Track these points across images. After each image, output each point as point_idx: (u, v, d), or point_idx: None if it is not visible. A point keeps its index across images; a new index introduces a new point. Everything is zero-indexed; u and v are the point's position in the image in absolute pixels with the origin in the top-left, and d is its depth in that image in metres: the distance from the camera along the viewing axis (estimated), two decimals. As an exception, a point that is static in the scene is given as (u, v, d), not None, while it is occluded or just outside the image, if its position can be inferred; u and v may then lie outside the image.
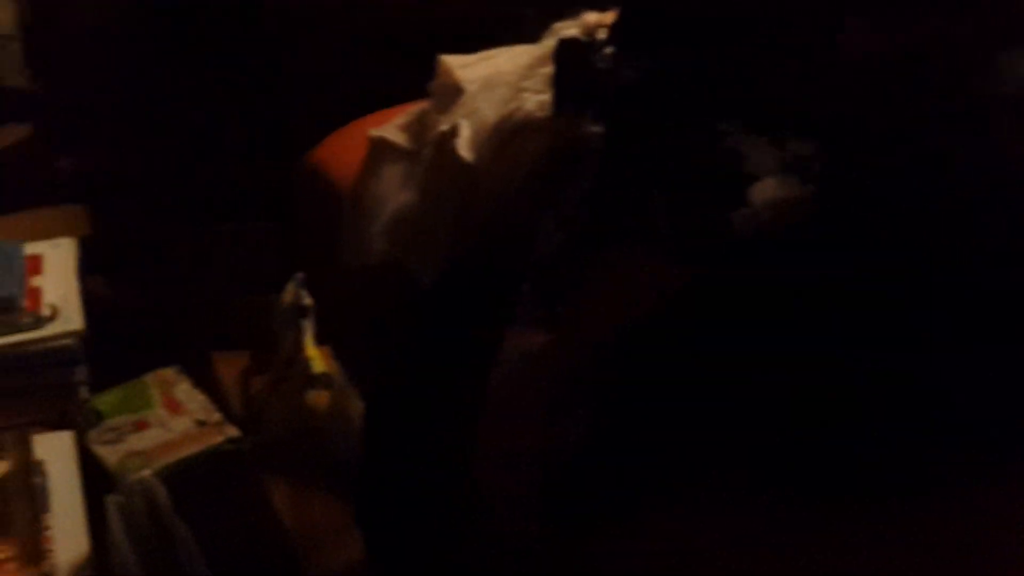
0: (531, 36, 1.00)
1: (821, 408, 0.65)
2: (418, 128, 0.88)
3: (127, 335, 1.42)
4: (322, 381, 1.29)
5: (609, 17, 0.76)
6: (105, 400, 1.29)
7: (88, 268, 1.41)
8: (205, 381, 1.37)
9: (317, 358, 1.30)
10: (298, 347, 1.32)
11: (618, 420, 0.66)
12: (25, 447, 1.17)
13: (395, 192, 0.85)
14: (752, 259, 0.63)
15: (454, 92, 0.86)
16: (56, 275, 1.36)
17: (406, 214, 0.82)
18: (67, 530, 1.10)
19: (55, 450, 1.20)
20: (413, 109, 0.91)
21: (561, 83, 0.73)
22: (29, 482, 1.13)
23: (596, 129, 0.69)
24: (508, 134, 0.75)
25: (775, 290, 0.64)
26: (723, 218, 0.62)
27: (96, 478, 1.19)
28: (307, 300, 1.35)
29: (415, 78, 1.14)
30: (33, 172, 1.82)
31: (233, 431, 1.28)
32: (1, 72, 1.99)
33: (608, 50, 0.70)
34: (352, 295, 0.91)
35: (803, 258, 0.63)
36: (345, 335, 0.99)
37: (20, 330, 1.26)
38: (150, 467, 1.19)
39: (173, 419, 1.29)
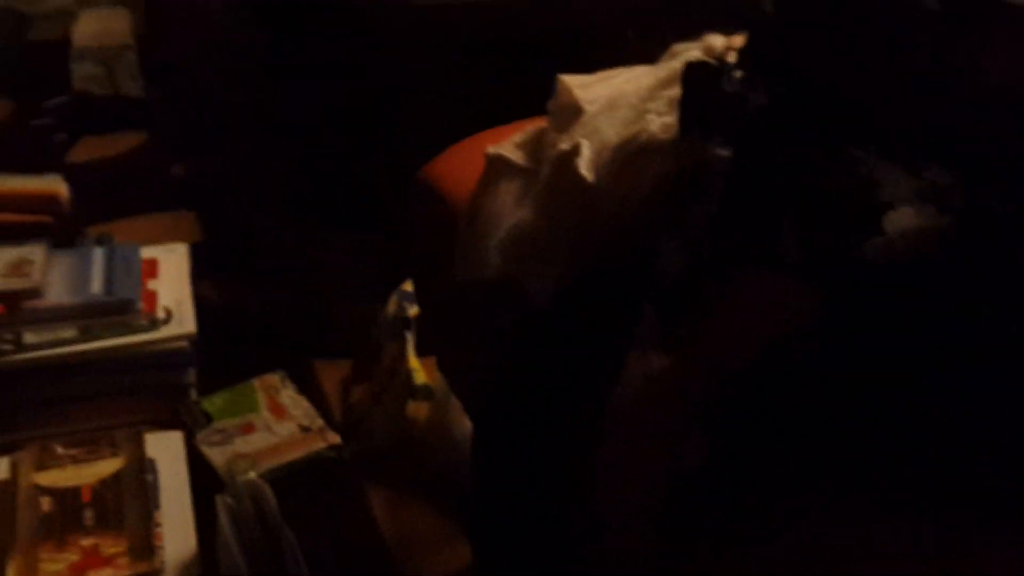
0: (635, 57, 1.00)
1: (943, 434, 0.63)
2: (536, 146, 0.89)
3: (234, 339, 1.46)
4: (423, 393, 1.30)
5: (738, 41, 0.75)
6: (213, 402, 1.33)
7: (198, 272, 1.46)
8: (307, 387, 1.40)
9: (419, 370, 1.32)
10: (400, 358, 1.34)
11: (737, 444, 0.66)
12: (138, 445, 1.20)
13: (512, 209, 0.86)
14: (884, 289, 0.62)
15: (573, 112, 0.86)
16: (171, 279, 1.41)
17: (523, 231, 0.83)
18: (176, 527, 1.13)
19: (166, 449, 1.23)
20: (530, 128, 0.92)
21: (688, 106, 0.73)
22: (141, 479, 1.16)
23: (723, 152, 0.68)
24: (630, 155, 0.75)
25: (907, 320, 0.63)
26: (856, 246, 0.61)
27: (204, 478, 1.23)
28: (410, 311, 1.37)
29: (527, 96, 1.15)
30: (148, 178, 1.88)
31: (335, 438, 1.30)
32: (119, 81, 2.08)
33: (738, 74, 0.70)
34: (464, 309, 0.92)
35: (938, 289, 0.62)
36: (454, 348, 1.00)
37: (137, 331, 1.31)
38: (256, 470, 1.22)
39: (278, 423, 1.32)
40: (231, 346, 1.45)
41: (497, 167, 0.90)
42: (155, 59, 2.22)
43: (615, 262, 0.76)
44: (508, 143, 0.91)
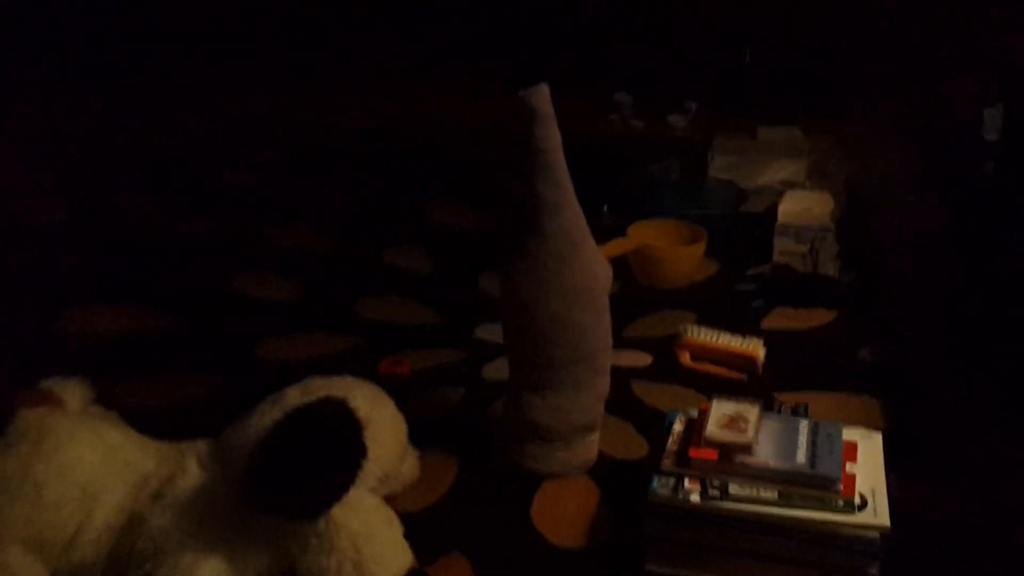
0: None
1: None
2: None
3: (916, 541, 1.42)
4: None
5: None
6: (895, 603, 1.30)
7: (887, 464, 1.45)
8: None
9: None
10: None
11: None
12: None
13: None
14: None
15: None
16: (867, 466, 1.42)
17: None
18: None
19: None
20: None
21: None
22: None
23: None
24: None
25: None
26: None
27: None
28: None
29: None
30: (833, 357, 1.95)
31: None
32: (819, 260, 2.19)
33: None
34: None
35: None
36: None
37: (832, 510, 1.34)
38: None
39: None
40: (913, 545, 1.40)
41: None
42: (852, 244, 2.31)
43: None
44: None
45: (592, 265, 1.57)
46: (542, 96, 1.49)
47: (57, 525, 1.28)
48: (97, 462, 1.31)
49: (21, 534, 1.26)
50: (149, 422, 1.45)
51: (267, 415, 1.33)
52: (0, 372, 1.86)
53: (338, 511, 1.26)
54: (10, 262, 2.39)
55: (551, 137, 1.51)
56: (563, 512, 1.53)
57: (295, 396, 1.36)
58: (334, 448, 1.25)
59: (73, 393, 1.44)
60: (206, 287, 2.28)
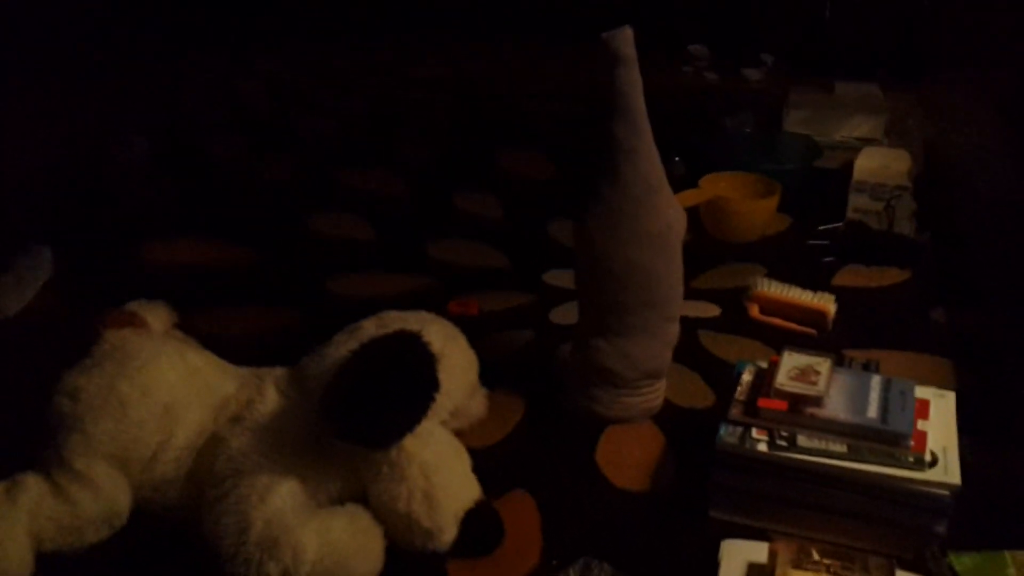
0: None
1: None
2: None
3: (985, 500, 1.41)
4: None
5: None
6: (962, 561, 1.29)
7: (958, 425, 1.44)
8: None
9: None
10: None
11: None
12: (890, 574, 1.22)
13: None
14: None
15: None
16: (939, 425, 1.41)
17: None
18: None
19: (908, 590, 1.24)
20: None
21: None
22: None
23: None
24: None
25: None
26: None
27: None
28: None
29: None
30: (905, 316, 1.92)
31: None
32: (895, 218, 2.15)
33: None
34: None
35: None
36: None
37: (901, 466, 1.33)
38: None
39: (1029, 609, 1.23)
40: (981, 507, 1.39)
41: None
42: (929, 203, 2.27)
43: None
44: None
45: (667, 211, 1.56)
46: (625, 38, 1.47)
47: (140, 442, 1.32)
48: (179, 383, 1.36)
49: (106, 449, 1.31)
50: (226, 349, 1.49)
51: (343, 345, 1.36)
52: (86, 297, 1.93)
53: (410, 441, 1.29)
54: (96, 195, 2.46)
55: (632, 80, 1.49)
56: (627, 456, 1.54)
57: (371, 328, 1.39)
58: (408, 379, 1.28)
59: (157, 316, 1.48)
60: (283, 224, 2.32)
